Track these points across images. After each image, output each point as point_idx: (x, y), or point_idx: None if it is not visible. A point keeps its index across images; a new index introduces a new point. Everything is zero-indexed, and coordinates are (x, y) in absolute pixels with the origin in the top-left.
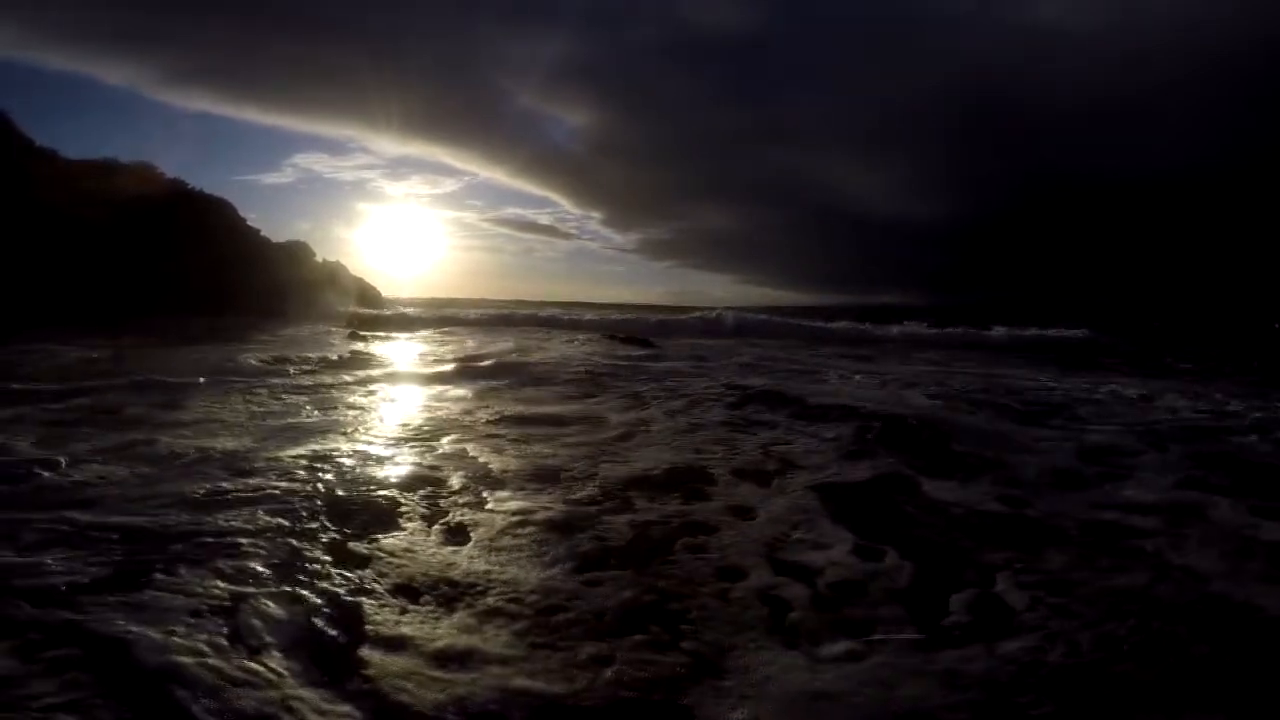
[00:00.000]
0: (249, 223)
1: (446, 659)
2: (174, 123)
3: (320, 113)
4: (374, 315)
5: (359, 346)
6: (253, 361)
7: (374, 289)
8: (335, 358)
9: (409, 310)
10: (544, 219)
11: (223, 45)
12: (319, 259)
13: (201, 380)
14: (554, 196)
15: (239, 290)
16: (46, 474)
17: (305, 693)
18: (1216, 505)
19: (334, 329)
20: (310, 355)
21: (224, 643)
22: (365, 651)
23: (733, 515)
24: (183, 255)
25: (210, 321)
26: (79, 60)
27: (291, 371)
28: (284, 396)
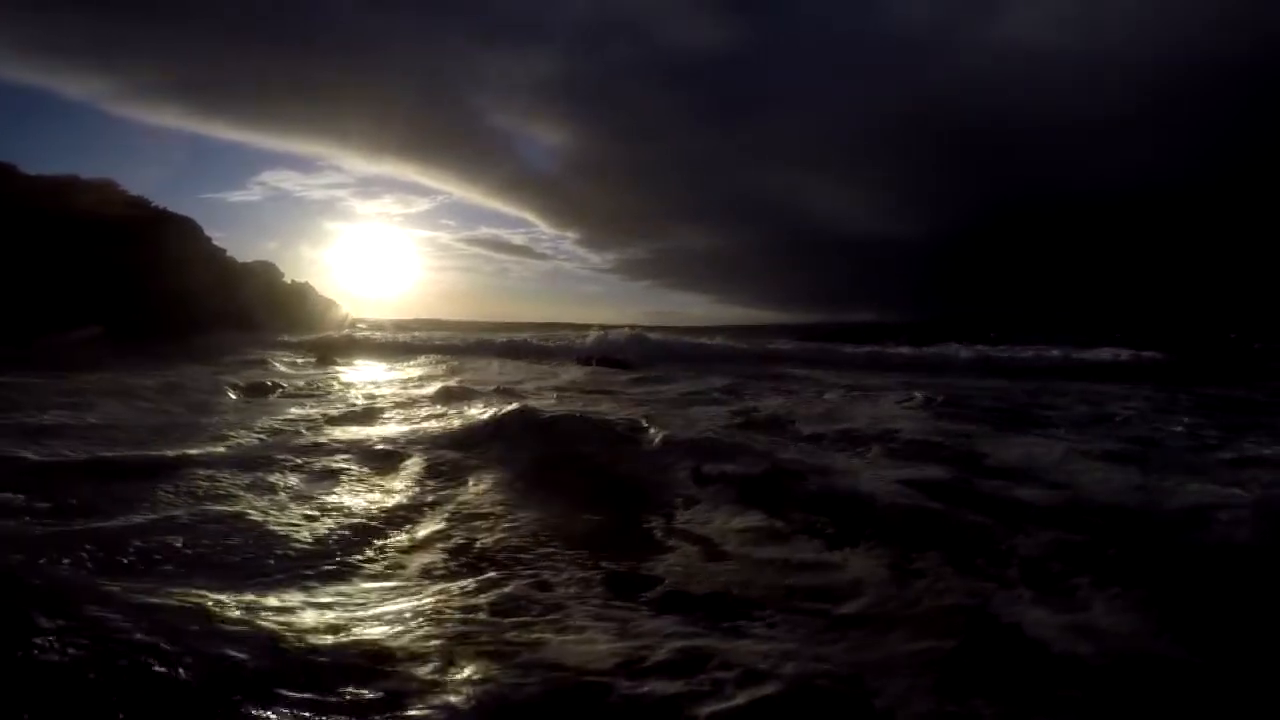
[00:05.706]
0: (215, 242)
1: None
2: (137, 138)
3: (289, 130)
4: (344, 339)
5: (335, 375)
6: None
7: (344, 311)
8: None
9: (380, 334)
10: (518, 239)
11: (188, 59)
12: (287, 280)
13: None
14: (529, 216)
15: (203, 312)
16: None
17: None
18: None
19: (299, 358)
20: (283, 383)
21: None
22: None
23: None
24: (145, 275)
25: (171, 345)
26: (37, 73)
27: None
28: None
